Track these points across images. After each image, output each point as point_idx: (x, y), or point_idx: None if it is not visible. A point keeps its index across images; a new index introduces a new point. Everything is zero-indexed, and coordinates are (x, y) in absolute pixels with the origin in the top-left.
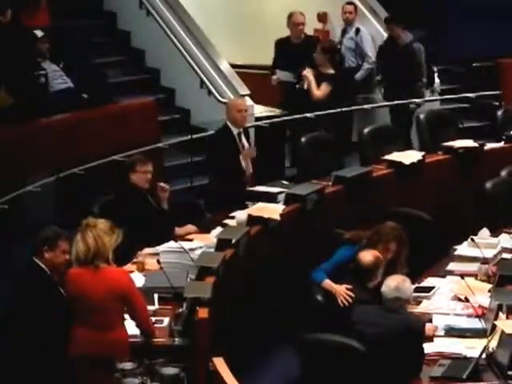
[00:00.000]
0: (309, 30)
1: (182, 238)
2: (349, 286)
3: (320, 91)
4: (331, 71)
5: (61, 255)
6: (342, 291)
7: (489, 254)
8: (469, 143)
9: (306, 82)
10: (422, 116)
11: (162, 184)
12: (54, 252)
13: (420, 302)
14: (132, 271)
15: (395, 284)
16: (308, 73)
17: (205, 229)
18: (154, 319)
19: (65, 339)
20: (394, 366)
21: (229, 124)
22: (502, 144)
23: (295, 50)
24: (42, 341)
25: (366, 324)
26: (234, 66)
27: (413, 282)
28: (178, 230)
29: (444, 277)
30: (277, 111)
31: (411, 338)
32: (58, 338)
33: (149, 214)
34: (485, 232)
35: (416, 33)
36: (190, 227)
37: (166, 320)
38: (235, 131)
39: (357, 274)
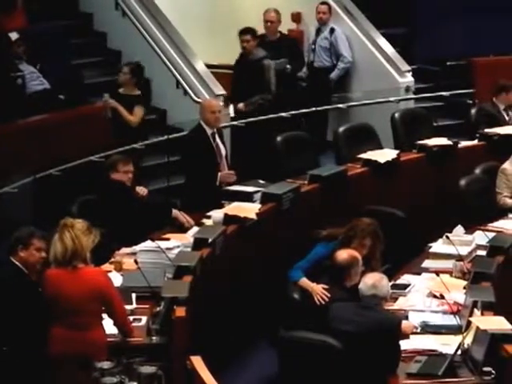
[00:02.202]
0: (283, 30)
1: (158, 237)
2: (325, 286)
3: (134, 117)
4: (137, 92)
5: (35, 253)
6: (318, 290)
7: (463, 251)
8: (443, 141)
9: (109, 111)
10: (396, 115)
11: (139, 187)
12: (29, 250)
13: (396, 299)
14: (110, 271)
15: (372, 282)
16: (111, 101)
17: (181, 228)
18: (131, 318)
19: (43, 338)
20: (370, 362)
21: (202, 124)
22: (475, 142)
23: (270, 46)
24: (21, 340)
25: (342, 321)
26: (209, 66)
27: (389, 280)
28: (176, 213)
29: (419, 274)
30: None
31: (386, 335)
32: (36, 337)
33: (136, 209)
34: (459, 229)
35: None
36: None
37: (144, 319)
38: (209, 131)
39: (333, 272)
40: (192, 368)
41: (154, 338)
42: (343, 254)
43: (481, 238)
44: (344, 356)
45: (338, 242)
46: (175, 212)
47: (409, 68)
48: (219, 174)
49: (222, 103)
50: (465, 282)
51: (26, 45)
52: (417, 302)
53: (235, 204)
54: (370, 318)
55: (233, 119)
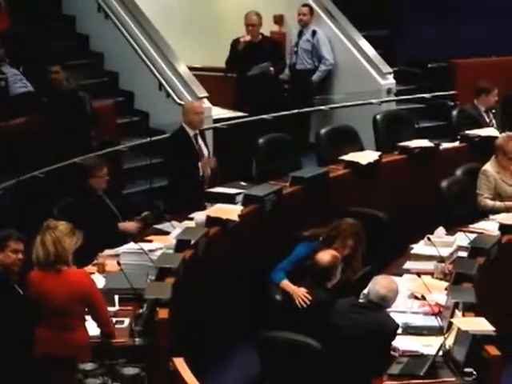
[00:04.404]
0: (265, 33)
1: (141, 239)
2: (305, 290)
3: None
4: None
5: (11, 255)
6: (299, 293)
7: (445, 252)
8: (424, 143)
9: None
10: (378, 116)
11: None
12: (4, 252)
13: None
14: (92, 273)
15: (384, 293)
16: None
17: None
18: (114, 320)
19: (27, 339)
20: (357, 363)
21: (184, 126)
22: (457, 143)
23: (252, 49)
24: (5, 341)
25: (341, 316)
26: (191, 69)
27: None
28: (123, 226)
29: (401, 275)
30: (234, 113)
31: (383, 337)
32: (20, 339)
33: (106, 216)
34: (441, 231)
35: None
36: (130, 224)
37: (127, 321)
38: (191, 133)
39: (315, 274)
40: (175, 369)
41: (136, 339)
42: (325, 257)
43: (462, 239)
44: (326, 356)
45: (320, 242)
46: (122, 225)
47: (390, 70)
48: (200, 163)
49: (206, 105)
50: (446, 284)
51: (9, 47)
52: (398, 304)
53: (217, 206)
54: (370, 317)
55: (215, 121)
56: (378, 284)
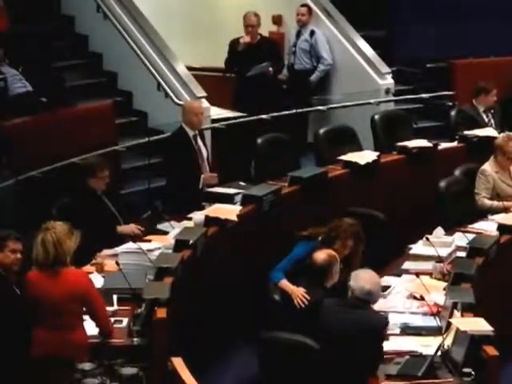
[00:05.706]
0: (264, 33)
1: (140, 239)
2: (304, 290)
3: None
4: None
5: (10, 255)
6: (298, 293)
7: (443, 252)
8: (423, 143)
9: None
10: (376, 116)
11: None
12: (3, 252)
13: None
14: (91, 272)
15: (369, 288)
16: None
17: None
18: (113, 320)
19: (23, 339)
20: (352, 361)
21: (184, 126)
22: (455, 144)
23: (251, 50)
24: (2, 342)
25: (330, 317)
26: (190, 69)
27: None
28: (121, 228)
29: (399, 275)
30: (233, 113)
31: (372, 333)
32: (17, 339)
33: (105, 216)
34: (439, 231)
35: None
36: (132, 227)
37: (125, 320)
38: (191, 133)
39: (313, 273)
40: (173, 369)
41: (135, 339)
42: (321, 255)
43: (460, 239)
44: (322, 356)
45: (319, 242)
46: (121, 228)
47: (389, 70)
48: (202, 176)
49: (204, 105)
50: (445, 284)
51: (8, 47)
52: (397, 304)
53: (216, 206)
54: (358, 315)
55: (214, 121)
56: (361, 280)
